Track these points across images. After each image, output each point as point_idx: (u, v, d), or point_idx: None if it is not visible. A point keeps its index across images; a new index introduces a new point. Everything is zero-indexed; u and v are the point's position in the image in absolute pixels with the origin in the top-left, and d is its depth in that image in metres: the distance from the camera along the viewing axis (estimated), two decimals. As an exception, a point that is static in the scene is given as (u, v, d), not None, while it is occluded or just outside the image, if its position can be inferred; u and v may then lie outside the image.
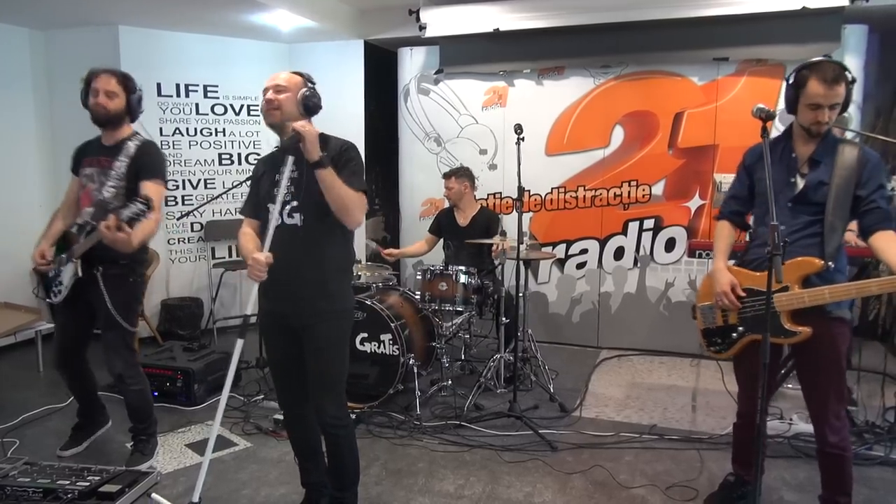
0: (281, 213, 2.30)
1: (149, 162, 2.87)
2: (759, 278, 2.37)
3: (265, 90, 2.32)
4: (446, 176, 4.53)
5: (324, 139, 2.34)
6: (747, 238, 3.50)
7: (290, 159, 2.22)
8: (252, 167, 5.44)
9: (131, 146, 2.88)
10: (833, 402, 2.34)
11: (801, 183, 2.34)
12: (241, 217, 2.51)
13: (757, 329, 2.39)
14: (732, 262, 2.57)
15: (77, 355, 3.11)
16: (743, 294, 2.40)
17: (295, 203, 2.29)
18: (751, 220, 2.66)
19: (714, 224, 4.60)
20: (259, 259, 2.19)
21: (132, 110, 2.92)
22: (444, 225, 4.61)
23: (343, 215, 2.24)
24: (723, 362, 3.84)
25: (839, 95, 2.22)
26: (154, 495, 2.56)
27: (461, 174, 4.51)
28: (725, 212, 2.62)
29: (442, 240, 4.64)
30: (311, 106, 2.32)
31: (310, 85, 2.35)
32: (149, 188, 2.79)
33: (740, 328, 2.46)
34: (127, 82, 2.90)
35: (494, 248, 3.96)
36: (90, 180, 2.91)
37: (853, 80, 2.25)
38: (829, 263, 2.25)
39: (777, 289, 2.28)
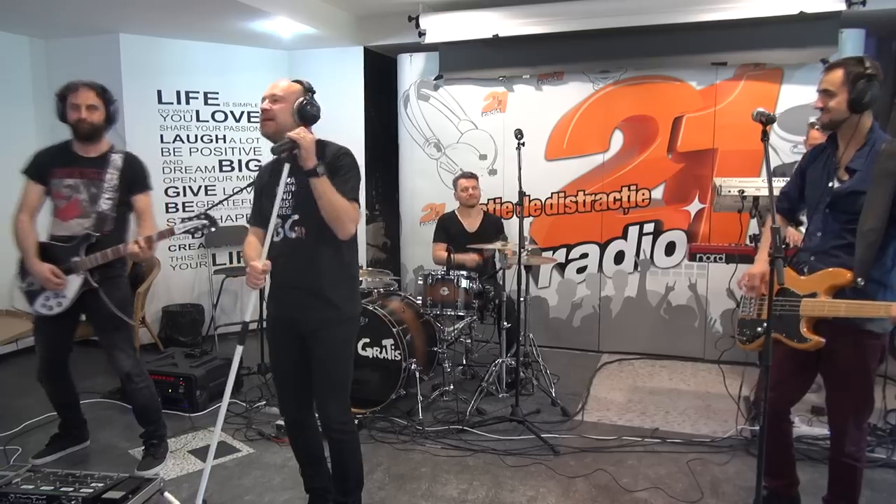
0: (283, 227, 2.32)
1: (140, 176, 3.03)
2: (797, 280, 2.35)
3: (263, 99, 2.32)
4: (471, 176, 4.53)
5: (322, 145, 2.36)
6: (747, 241, 3.51)
7: (287, 168, 2.21)
8: (253, 174, 5.49)
9: (117, 159, 2.96)
10: (854, 413, 2.32)
11: (835, 189, 2.29)
12: (247, 225, 2.53)
13: (778, 328, 2.37)
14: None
15: (64, 366, 3.14)
16: (764, 291, 2.39)
17: (296, 216, 2.30)
18: (803, 217, 2.64)
19: (714, 227, 4.67)
20: (256, 267, 2.22)
21: (111, 121, 2.97)
22: (451, 232, 4.56)
23: (334, 225, 2.24)
24: (725, 366, 3.87)
25: (826, 81, 2.24)
26: (166, 494, 2.57)
27: (478, 179, 4.57)
28: (777, 206, 2.58)
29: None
30: (307, 115, 2.31)
31: (308, 94, 2.34)
32: (143, 201, 3.01)
33: (766, 324, 2.38)
34: (105, 94, 2.94)
35: (509, 252, 3.94)
36: (74, 191, 2.92)
37: (859, 75, 2.16)
38: (859, 280, 2.18)
39: (806, 294, 2.29)
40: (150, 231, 2.90)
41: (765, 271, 2.40)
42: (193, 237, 2.98)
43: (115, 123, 3.00)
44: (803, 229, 3.36)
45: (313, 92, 2.37)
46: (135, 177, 2.99)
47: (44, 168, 2.95)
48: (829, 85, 2.24)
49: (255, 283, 2.23)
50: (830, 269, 2.26)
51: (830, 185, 2.30)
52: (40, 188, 2.95)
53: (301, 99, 2.31)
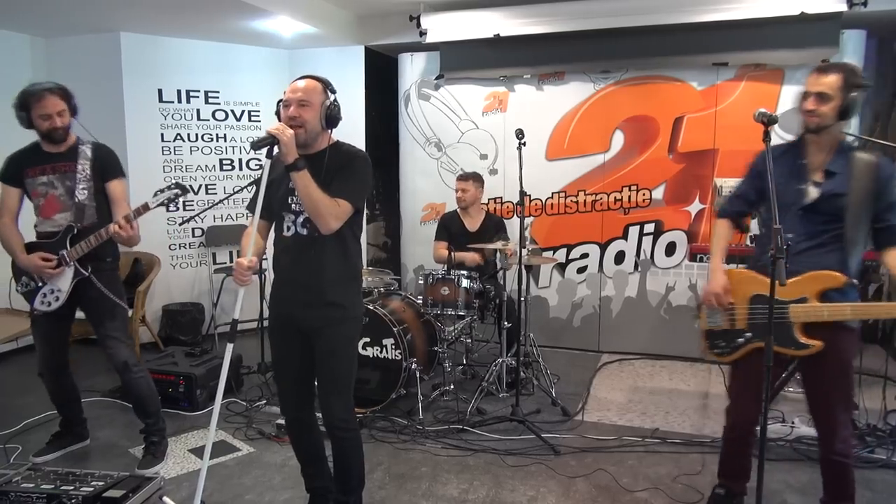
0: (295, 223, 2.32)
1: (112, 162, 3.06)
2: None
3: (286, 104, 2.25)
4: (463, 178, 4.51)
5: (337, 146, 2.35)
6: (748, 241, 3.51)
7: (268, 164, 2.18)
8: (254, 173, 5.49)
9: (86, 150, 2.99)
10: (840, 411, 2.32)
11: (814, 192, 2.27)
12: (247, 224, 2.49)
13: (765, 336, 2.30)
14: (743, 265, 2.52)
15: (65, 363, 3.16)
16: (731, 301, 2.39)
17: (307, 214, 2.27)
18: (750, 222, 2.63)
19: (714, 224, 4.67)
20: (242, 263, 2.19)
21: (75, 115, 2.98)
22: (452, 231, 4.56)
23: (316, 220, 2.22)
24: (725, 366, 3.86)
25: (823, 84, 2.19)
26: (165, 498, 2.57)
27: (478, 179, 4.54)
28: (729, 210, 2.55)
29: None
30: (332, 118, 2.28)
31: (331, 94, 2.29)
32: (118, 187, 3.04)
33: (748, 334, 2.38)
34: (68, 95, 2.93)
35: (508, 252, 3.94)
36: (50, 187, 2.97)
37: (856, 85, 2.18)
38: (854, 280, 2.19)
39: (794, 299, 2.25)
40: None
41: (726, 283, 2.39)
42: (168, 209, 3.00)
43: (77, 115, 3.00)
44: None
45: (334, 91, 2.32)
46: (105, 164, 3.02)
47: (17, 170, 2.99)
48: (827, 88, 2.19)
49: (240, 279, 2.19)
50: (821, 273, 2.23)
51: (802, 187, 2.29)
52: (17, 191, 3.01)
53: (327, 101, 2.26)
